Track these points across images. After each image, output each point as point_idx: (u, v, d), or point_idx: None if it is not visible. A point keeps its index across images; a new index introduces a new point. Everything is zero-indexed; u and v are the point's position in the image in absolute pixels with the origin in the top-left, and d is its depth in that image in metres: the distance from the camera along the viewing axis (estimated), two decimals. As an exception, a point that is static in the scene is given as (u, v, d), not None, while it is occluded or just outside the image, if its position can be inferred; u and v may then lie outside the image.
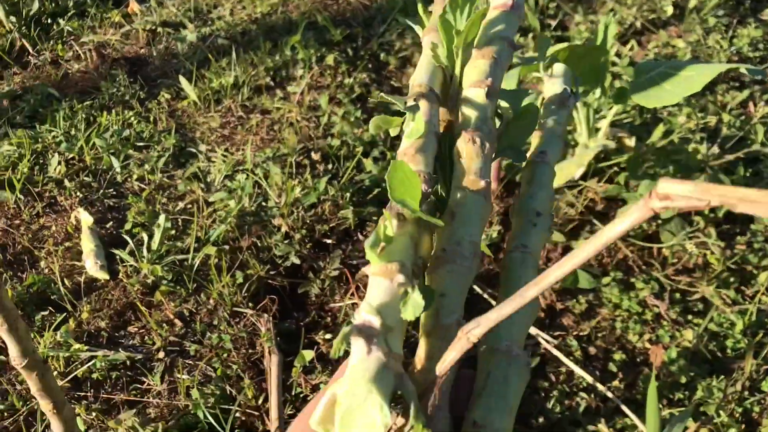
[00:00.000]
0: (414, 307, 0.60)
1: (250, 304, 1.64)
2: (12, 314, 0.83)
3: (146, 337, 1.60)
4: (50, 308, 1.66)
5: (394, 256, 0.64)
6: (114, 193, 1.96)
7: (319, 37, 2.49)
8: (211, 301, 1.65)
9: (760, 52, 2.40)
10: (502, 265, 0.92)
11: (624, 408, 1.49)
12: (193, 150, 2.08)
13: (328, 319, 1.64)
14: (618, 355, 1.59)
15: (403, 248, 0.66)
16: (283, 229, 1.79)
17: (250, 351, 1.56)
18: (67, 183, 1.97)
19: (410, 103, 0.84)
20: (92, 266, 1.71)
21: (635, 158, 1.81)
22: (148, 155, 2.06)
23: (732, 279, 1.74)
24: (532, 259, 0.85)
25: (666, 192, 0.40)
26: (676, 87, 1.56)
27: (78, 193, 1.95)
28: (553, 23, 2.52)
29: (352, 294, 1.65)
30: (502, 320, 0.54)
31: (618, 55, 2.35)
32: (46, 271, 1.74)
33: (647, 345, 1.62)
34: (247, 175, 1.95)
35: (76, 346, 1.55)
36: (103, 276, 1.71)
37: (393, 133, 0.85)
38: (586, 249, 0.45)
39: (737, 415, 1.47)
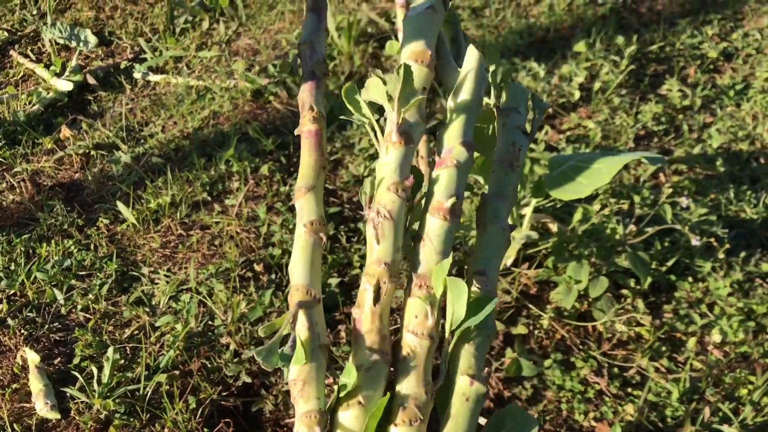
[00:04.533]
0: None
1: (206, 429, 1.65)
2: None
3: (103, 476, 1.59)
4: (1, 456, 1.64)
5: None
6: (59, 326, 1.97)
7: (252, 147, 2.58)
8: (166, 430, 1.65)
9: (663, 125, 2.60)
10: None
11: (577, 491, 1.55)
12: (136, 273, 2.10)
13: (285, 434, 1.67)
14: (567, 437, 1.66)
15: None
16: (232, 347, 1.82)
17: (209, 478, 1.57)
18: (9, 321, 1.96)
19: (284, 321, 1.09)
20: (42, 407, 1.70)
21: (560, 243, 1.93)
22: (91, 284, 2.07)
23: (663, 348, 1.85)
24: None
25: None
26: (587, 179, 1.70)
27: (22, 331, 1.94)
28: (472, 115, 2.67)
29: (306, 407, 1.68)
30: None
31: (534, 140, 2.51)
32: (-6, 417, 1.72)
33: (593, 423, 1.69)
34: (192, 295, 1.98)
35: (31, 494, 1.53)
36: (54, 416, 1.70)
37: (284, 332, 1.06)
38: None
39: (682, 484, 1.55)
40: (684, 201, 2.03)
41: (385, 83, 1.18)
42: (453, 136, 1.22)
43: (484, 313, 1.03)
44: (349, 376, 1.07)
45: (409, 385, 1.03)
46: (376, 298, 1.09)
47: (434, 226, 1.12)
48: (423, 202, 1.22)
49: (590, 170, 1.70)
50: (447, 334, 1.08)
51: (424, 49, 1.28)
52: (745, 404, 1.67)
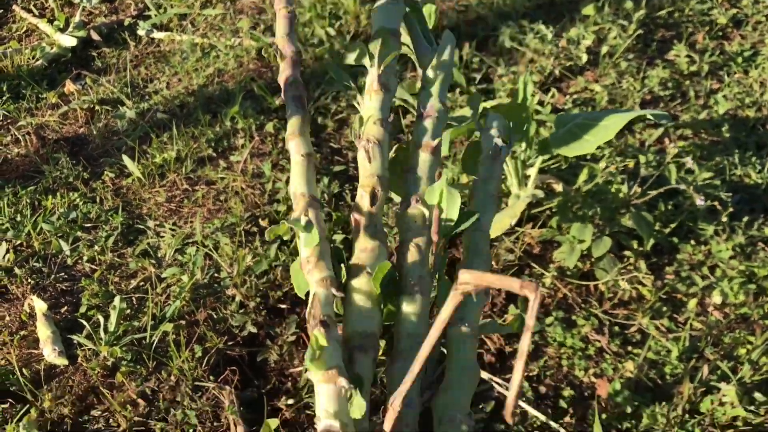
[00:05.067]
0: (359, 408, 0.96)
1: (211, 377, 1.68)
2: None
3: (110, 420, 1.62)
4: (10, 400, 1.66)
5: (330, 361, 1.00)
6: (66, 276, 1.98)
7: (257, 105, 2.57)
8: (172, 377, 1.68)
9: (669, 91, 2.59)
10: (447, 337, 1.16)
11: (576, 442, 1.58)
12: (142, 227, 2.11)
13: (289, 384, 1.69)
14: (567, 392, 1.68)
15: (334, 352, 1.02)
16: (238, 298, 1.84)
17: (215, 424, 1.59)
18: (17, 270, 1.98)
19: (296, 214, 1.34)
20: (50, 353, 1.73)
21: (564, 203, 1.94)
22: (96, 236, 2.09)
23: (664, 308, 1.86)
24: (472, 334, 1.15)
25: (463, 279, 0.74)
26: (593, 137, 1.70)
27: (29, 280, 1.96)
28: (478, 76, 2.67)
29: (311, 357, 1.71)
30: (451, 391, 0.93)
31: (541, 103, 2.50)
32: (3, 362, 1.75)
33: (593, 379, 1.72)
34: (198, 247, 1.99)
35: (40, 436, 1.56)
36: (62, 362, 1.73)
37: (286, 237, 1.32)
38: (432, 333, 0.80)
39: (680, 438, 1.58)
40: (689, 161, 2.04)
41: (366, 49, 1.56)
42: (434, 95, 1.56)
43: (471, 220, 1.36)
44: (355, 258, 1.33)
45: (414, 267, 1.30)
46: (372, 202, 1.36)
47: (424, 160, 1.46)
48: (412, 146, 1.52)
49: (597, 127, 1.70)
50: (438, 237, 1.33)
51: (394, 27, 1.65)
52: (744, 363, 1.70)
